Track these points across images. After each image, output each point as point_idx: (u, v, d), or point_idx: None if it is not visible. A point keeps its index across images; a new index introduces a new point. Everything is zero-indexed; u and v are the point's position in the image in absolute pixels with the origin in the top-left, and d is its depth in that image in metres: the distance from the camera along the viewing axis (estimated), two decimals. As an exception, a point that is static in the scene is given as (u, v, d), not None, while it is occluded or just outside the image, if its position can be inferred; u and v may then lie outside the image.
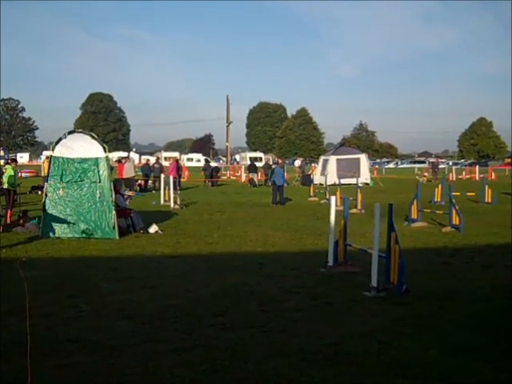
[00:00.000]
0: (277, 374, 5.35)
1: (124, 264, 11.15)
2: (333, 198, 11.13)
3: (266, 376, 5.31)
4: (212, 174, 41.62)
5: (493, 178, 48.66)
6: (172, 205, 23.45)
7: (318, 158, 55.64)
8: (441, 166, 62.19)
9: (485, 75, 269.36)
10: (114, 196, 14.47)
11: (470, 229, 15.86)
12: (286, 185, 27.94)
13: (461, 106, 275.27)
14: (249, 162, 48.10)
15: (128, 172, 31.70)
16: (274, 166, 30.87)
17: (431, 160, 64.71)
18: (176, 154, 78.82)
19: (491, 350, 6.08)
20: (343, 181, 29.36)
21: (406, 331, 6.76)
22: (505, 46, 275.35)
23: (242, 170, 51.87)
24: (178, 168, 34.84)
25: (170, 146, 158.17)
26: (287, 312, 7.62)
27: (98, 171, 14.41)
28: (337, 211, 10.82)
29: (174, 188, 24.93)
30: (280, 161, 36.72)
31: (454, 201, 16.64)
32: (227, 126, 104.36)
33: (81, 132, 15.38)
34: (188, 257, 12.05)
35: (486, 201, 25.73)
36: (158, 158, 40.74)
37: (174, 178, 27.31)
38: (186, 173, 44.41)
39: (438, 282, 9.47)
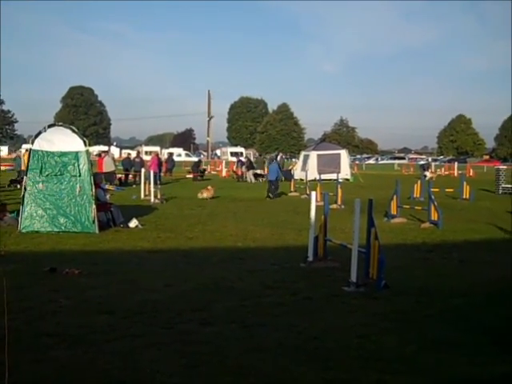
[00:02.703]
0: (256, 369, 5.36)
1: (104, 258, 11.10)
2: (313, 194, 11.17)
3: (245, 371, 5.32)
4: (193, 168, 41.71)
5: (471, 174, 49.13)
6: (152, 199, 23.40)
7: (298, 154, 55.72)
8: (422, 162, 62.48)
9: (464, 73, 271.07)
10: (94, 190, 14.38)
11: (449, 225, 16.02)
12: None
13: (440, 103, 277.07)
14: (234, 158, 48.15)
15: (108, 166, 31.55)
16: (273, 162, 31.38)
17: (421, 162, 65.01)
18: (157, 149, 78.34)
19: (468, 344, 6.14)
20: (324, 176, 29.48)
21: (384, 326, 6.81)
22: (485, 44, 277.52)
23: (223, 164, 51.85)
24: (159, 162, 34.76)
25: (150, 141, 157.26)
26: (267, 307, 7.64)
27: (78, 165, 14.31)
28: (317, 207, 10.87)
29: (155, 182, 24.87)
30: (279, 157, 36.90)
31: (432, 197, 16.80)
32: (208, 121, 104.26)
33: (61, 125, 15.26)
34: (168, 251, 12.04)
35: (464, 197, 26.01)
36: (138, 152, 40.60)
37: (155, 172, 27.24)
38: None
39: (416, 278, 9.55)
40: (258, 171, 41.95)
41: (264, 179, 40.63)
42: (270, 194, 26.30)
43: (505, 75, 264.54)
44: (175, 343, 6.07)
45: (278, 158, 40.78)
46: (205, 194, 25.28)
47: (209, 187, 26.03)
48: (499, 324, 6.91)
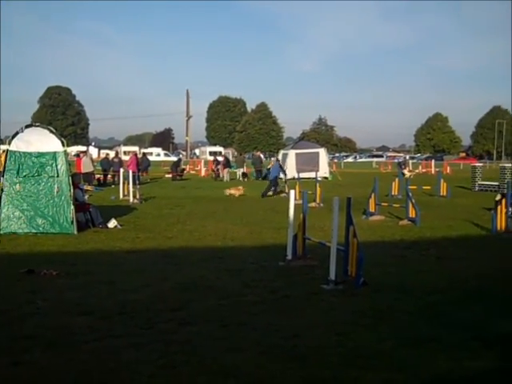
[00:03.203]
0: (235, 368, 5.37)
1: (82, 259, 11.03)
2: (292, 192, 11.20)
3: (224, 370, 5.32)
4: (172, 168, 41.66)
5: (448, 171, 49.63)
6: (131, 199, 23.31)
7: (277, 153, 55.77)
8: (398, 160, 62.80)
9: (441, 71, 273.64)
10: (72, 191, 14.29)
11: (426, 222, 16.16)
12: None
13: (417, 102, 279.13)
14: (221, 158, 48.11)
15: (86, 166, 31.36)
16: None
17: (400, 160, 65.27)
18: (135, 149, 78.03)
19: (446, 340, 6.21)
20: (302, 175, 29.58)
21: (363, 323, 6.86)
22: (460, 43, 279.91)
23: (202, 164, 51.78)
24: (138, 162, 34.61)
25: (129, 141, 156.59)
26: (246, 306, 7.65)
27: (56, 166, 14.20)
28: (296, 205, 10.90)
29: (134, 182, 24.76)
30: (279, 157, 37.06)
31: (410, 194, 16.94)
32: (187, 120, 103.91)
33: (38, 126, 15.11)
34: (147, 251, 12.00)
35: (441, 194, 26.29)
36: (117, 153, 40.41)
37: (134, 172, 27.13)
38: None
39: (394, 275, 9.62)
40: (243, 170, 42.17)
41: (246, 179, 40.85)
42: (270, 193, 26.45)
43: (480, 74, 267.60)
44: (154, 343, 6.05)
45: (279, 157, 40.82)
46: (232, 191, 25.62)
47: (239, 187, 26.79)
48: (476, 320, 6.99)
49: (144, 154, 46.52)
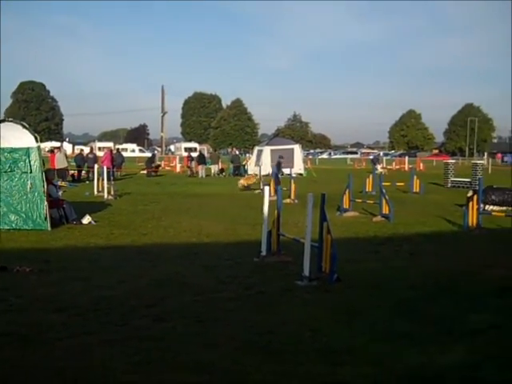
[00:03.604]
0: (210, 364, 5.40)
1: (56, 256, 10.95)
2: (266, 188, 11.24)
3: (199, 366, 5.34)
4: (147, 164, 41.54)
5: (421, 168, 50.07)
6: (106, 195, 23.18)
7: (252, 149, 55.82)
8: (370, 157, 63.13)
9: (414, 69, 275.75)
10: (45, 187, 14.18)
11: (400, 218, 16.32)
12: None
13: (391, 99, 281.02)
14: (195, 154, 48.07)
15: (60, 162, 31.09)
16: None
17: (371, 156, 65.60)
18: (110, 144, 77.37)
19: (418, 335, 6.29)
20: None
21: (336, 319, 6.92)
22: (434, 41, 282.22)
23: (177, 160, 51.63)
24: (112, 158, 34.42)
25: (104, 136, 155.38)
26: (221, 302, 7.67)
27: (30, 161, 14.07)
28: (270, 201, 10.94)
29: (108, 178, 24.63)
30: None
31: (384, 191, 17.08)
32: (162, 117, 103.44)
33: (11, 121, 14.95)
34: (122, 248, 11.96)
35: (415, 191, 26.56)
36: (91, 148, 40.05)
37: (108, 168, 26.99)
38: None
39: (368, 271, 9.71)
40: (220, 166, 42.17)
41: (224, 174, 40.92)
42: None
43: (453, 72, 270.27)
44: (129, 340, 6.05)
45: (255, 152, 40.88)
46: (244, 181, 26.03)
47: (251, 177, 26.50)
48: (446, 314, 7.09)
49: (118, 149, 46.15)
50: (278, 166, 28.46)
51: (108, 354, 5.62)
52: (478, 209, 14.66)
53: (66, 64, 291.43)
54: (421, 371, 5.25)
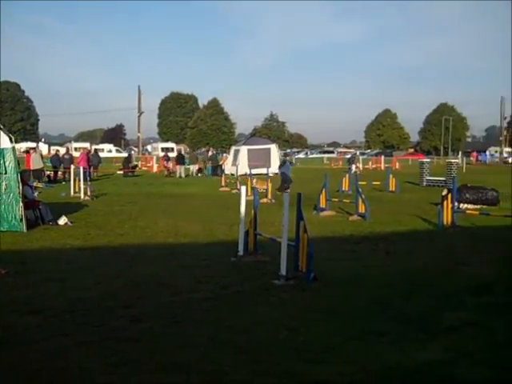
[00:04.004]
0: (187, 364, 5.39)
1: (32, 257, 10.87)
2: (243, 188, 11.25)
3: (176, 366, 5.34)
4: (123, 164, 41.35)
5: (397, 167, 50.40)
6: (82, 196, 23.03)
7: (229, 149, 55.82)
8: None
9: (390, 68, 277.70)
10: (21, 188, 14.05)
11: (376, 217, 16.43)
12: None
13: (368, 98, 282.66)
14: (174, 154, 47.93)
15: (36, 163, 30.81)
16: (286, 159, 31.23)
17: (348, 156, 65.75)
18: (87, 145, 76.71)
19: (394, 333, 6.33)
20: (254, 171, 29.64)
21: (313, 317, 6.95)
22: (409, 41, 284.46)
23: (154, 160, 51.44)
24: (89, 159, 34.21)
25: (80, 137, 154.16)
26: (198, 302, 7.67)
27: (4, 162, 13.91)
28: (247, 201, 10.96)
29: (85, 179, 24.48)
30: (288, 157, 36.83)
31: (360, 190, 17.18)
32: (139, 117, 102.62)
33: (-16, 122, 14.79)
34: (98, 249, 11.90)
35: (391, 189, 26.77)
36: (68, 149, 39.74)
37: (85, 168, 26.82)
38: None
39: (344, 269, 9.76)
40: (197, 166, 42.09)
41: (202, 174, 40.85)
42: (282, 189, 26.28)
43: (428, 71, 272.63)
44: (105, 341, 6.03)
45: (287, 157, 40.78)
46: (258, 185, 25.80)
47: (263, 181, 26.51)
48: (423, 312, 7.16)
49: (96, 150, 45.90)
50: (283, 165, 28.16)
51: (84, 356, 5.59)
52: (452, 207, 14.81)
53: (41, 64, 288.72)
54: (397, 369, 5.29)
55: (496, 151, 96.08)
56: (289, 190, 25.83)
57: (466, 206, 19.00)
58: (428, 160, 37.41)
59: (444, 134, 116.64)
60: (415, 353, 5.69)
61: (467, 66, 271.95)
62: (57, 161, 35.32)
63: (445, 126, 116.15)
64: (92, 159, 36.52)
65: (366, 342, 6.06)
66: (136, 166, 45.74)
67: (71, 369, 5.28)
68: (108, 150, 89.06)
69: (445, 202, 14.91)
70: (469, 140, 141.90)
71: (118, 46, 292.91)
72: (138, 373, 5.20)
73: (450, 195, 15.01)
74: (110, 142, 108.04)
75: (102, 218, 16.90)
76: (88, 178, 26.34)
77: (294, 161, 34.26)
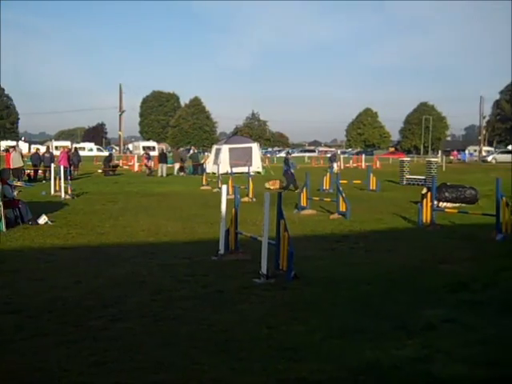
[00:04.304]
0: (167, 363, 5.40)
1: (11, 257, 10.80)
2: (224, 187, 11.26)
3: (156, 365, 5.35)
4: (104, 163, 41.16)
5: (378, 166, 50.60)
6: (63, 195, 22.87)
7: (210, 147, 55.77)
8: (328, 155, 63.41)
9: (371, 68, 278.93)
10: (0, 187, 13.94)
11: (356, 215, 16.52)
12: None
13: (349, 97, 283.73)
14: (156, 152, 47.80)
15: (16, 161, 30.56)
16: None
17: (328, 154, 65.79)
18: (67, 143, 76.10)
19: (373, 330, 6.39)
20: (235, 170, 29.66)
21: (293, 316, 6.99)
22: (390, 40, 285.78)
23: (135, 158, 51.24)
24: (69, 157, 33.99)
25: (61, 135, 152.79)
26: (178, 300, 7.68)
27: (-18, 161, 13.84)
28: (228, 200, 10.97)
29: (65, 178, 24.33)
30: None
31: (341, 189, 17.26)
32: (120, 115, 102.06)
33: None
34: (79, 248, 11.85)
35: (371, 188, 26.91)
36: (48, 147, 39.43)
37: (65, 167, 26.65)
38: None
39: (324, 268, 9.81)
40: (179, 164, 41.92)
41: (183, 174, 40.72)
42: (291, 187, 26.18)
43: (408, 71, 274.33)
44: (85, 340, 6.02)
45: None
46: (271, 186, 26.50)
47: (277, 181, 27.43)
48: (401, 310, 7.22)
49: (75, 148, 45.55)
50: (285, 162, 28.03)
51: (63, 355, 5.58)
52: (431, 206, 14.93)
53: (21, 62, 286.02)
54: (376, 365, 5.34)
55: (475, 150, 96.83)
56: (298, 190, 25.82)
57: (445, 204, 19.15)
58: (408, 159, 37.64)
59: (424, 133, 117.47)
60: (394, 350, 5.75)
61: (447, 65, 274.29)
62: (37, 159, 35.05)
63: (425, 125, 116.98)
64: (72, 158, 36.26)
65: (346, 339, 6.10)
66: (117, 165, 45.50)
67: (50, 369, 5.26)
68: (89, 149, 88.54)
69: (424, 201, 15.03)
70: (448, 139, 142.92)
71: (100, 44, 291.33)
72: (118, 372, 5.20)
73: (429, 194, 15.14)
74: (91, 141, 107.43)
75: (83, 217, 16.82)
76: (69, 177, 26.17)
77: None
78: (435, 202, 15.52)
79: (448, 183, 21.23)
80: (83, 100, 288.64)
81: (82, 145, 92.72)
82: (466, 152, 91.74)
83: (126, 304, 7.52)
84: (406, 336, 6.18)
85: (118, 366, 5.35)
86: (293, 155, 46.55)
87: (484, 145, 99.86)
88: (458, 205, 19.21)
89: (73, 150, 40.04)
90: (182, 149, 49.83)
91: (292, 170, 27.25)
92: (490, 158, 78.45)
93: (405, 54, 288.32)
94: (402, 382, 5.00)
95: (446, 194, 19.71)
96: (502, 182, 13.27)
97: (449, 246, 12.10)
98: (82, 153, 44.94)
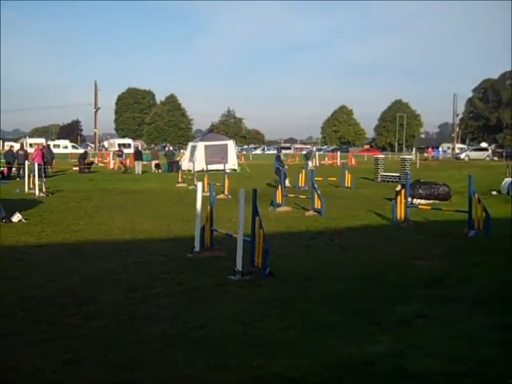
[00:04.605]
0: (142, 360, 5.40)
1: (-17, 255, 10.70)
2: (199, 184, 11.26)
3: (131, 363, 5.34)
4: (79, 160, 40.87)
5: (353, 163, 50.86)
6: (37, 193, 22.67)
7: (186, 145, 55.61)
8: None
9: (346, 65, 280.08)
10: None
11: (331, 212, 16.61)
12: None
13: (324, 94, 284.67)
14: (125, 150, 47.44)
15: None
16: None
17: (304, 151, 65.80)
18: (42, 141, 75.31)
19: (346, 326, 6.44)
20: (211, 167, 29.66)
21: (268, 312, 7.02)
22: (363, 40, 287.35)
23: (111, 156, 50.94)
24: (43, 155, 33.67)
25: (35, 132, 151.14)
26: (153, 298, 7.67)
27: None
28: (204, 197, 10.97)
29: (39, 175, 24.11)
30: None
31: (316, 186, 17.34)
32: (95, 112, 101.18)
33: None
34: (53, 246, 11.76)
35: (346, 185, 27.04)
36: (22, 145, 39.01)
37: (39, 164, 26.42)
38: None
39: (299, 264, 9.86)
40: (157, 162, 41.77)
41: (160, 170, 40.58)
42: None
43: (384, 68, 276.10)
44: (59, 339, 5.98)
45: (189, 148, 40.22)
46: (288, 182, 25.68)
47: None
48: (375, 306, 7.29)
49: (48, 145, 45.05)
50: (277, 159, 27.81)
51: (37, 354, 5.54)
52: (405, 203, 15.07)
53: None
54: (349, 361, 5.39)
55: (448, 147, 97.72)
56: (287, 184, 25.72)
57: (419, 201, 19.35)
58: (383, 156, 37.93)
59: (398, 131, 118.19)
60: (367, 345, 5.80)
61: (422, 63, 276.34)
62: (11, 157, 34.65)
63: (399, 123, 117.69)
64: (46, 155, 35.90)
65: (320, 335, 6.14)
66: (92, 162, 45.17)
67: (23, 368, 5.22)
68: (64, 146, 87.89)
69: (398, 198, 15.17)
70: (422, 136, 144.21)
71: (75, 40, 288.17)
72: (92, 370, 5.18)
73: (403, 191, 15.28)
74: (66, 138, 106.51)
75: (58, 214, 16.70)
76: (43, 175, 25.95)
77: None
78: (409, 199, 15.68)
79: (422, 180, 21.46)
80: (58, 97, 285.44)
81: (56, 142, 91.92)
82: (440, 149, 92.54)
83: (101, 302, 7.49)
84: (379, 332, 6.24)
85: (93, 364, 5.33)
86: (268, 152, 46.52)
87: (457, 142, 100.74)
88: (431, 201, 19.42)
89: (46, 147, 39.64)
90: (154, 146, 49.56)
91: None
92: (463, 156, 79.20)
93: (380, 52, 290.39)
94: (375, 377, 5.05)
95: (420, 191, 19.91)
96: (475, 179, 13.43)
97: (422, 242, 12.22)
98: (56, 150, 44.44)
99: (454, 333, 6.16)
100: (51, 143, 67.50)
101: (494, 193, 22.39)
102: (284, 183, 25.62)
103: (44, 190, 23.14)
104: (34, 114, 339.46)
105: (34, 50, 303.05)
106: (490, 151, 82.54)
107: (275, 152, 35.47)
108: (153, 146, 67.41)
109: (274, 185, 26.04)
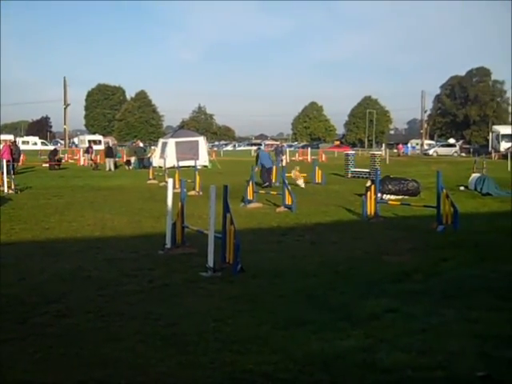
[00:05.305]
0: (114, 358, 5.39)
1: (-50, 254, 10.55)
2: (170, 181, 11.25)
3: (102, 361, 5.33)
4: (49, 157, 40.46)
5: (323, 159, 51.15)
6: (6, 190, 22.40)
7: (157, 141, 55.34)
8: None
9: (316, 62, 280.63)
10: None
11: (302, 208, 16.70)
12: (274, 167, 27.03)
13: (294, 91, 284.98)
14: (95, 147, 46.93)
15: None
16: (258, 150, 30.17)
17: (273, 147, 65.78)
18: (11, 137, 74.31)
19: (318, 322, 6.48)
20: (182, 163, 29.61)
21: (240, 308, 7.04)
22: (333, 36, 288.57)
23: (81, 152, 50.51)
24: (12, 151, 33.25)
25: (4, 129, 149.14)
26: (124, 295, 7.65)
27: None
28: (175, 194, 10.97)
29: (8, 172, 23.83)
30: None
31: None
32: (65, 109, 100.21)
33: None
34: (23, 243, 11.65)
35: (317, 181, 27.19)
36: (-11, 142, 38.48)
37: (8, 161, 26.11)
38: (22, 157, 42.22)
39: (270, 260, 9.91)
40: (128, 158, 41.51)
41: (131, 167, 40.30)
42: (267, 183, 25.65)
43: (353, 65, 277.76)
44: (29, 337, 5.94)
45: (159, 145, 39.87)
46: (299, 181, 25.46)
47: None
48: (345, 301, 7.35)
49: (14, 142, 44.41)
50: (257, 159, 27.55)
51: (7, 353, 5.51)
52: (375, 198, 15.21)
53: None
54: (320, 356, 5.44)
55: (417, 143, 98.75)
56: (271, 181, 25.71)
57: (388, 196, 19.52)
58: (353, 152, 38.19)
59: (368, 127, 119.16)
60: (338, 340, 5.86)
61: (390, 60, 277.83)
62: (-22, 154, 34.19)
63: (369, 119, 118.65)
64: (14, 152, 35.45)
65: (291, 331, 6.19)
66: (61, 158, 44.72)
67: (-8, 367, 5.19)
68: (33, 143, 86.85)
69: (368, 193, 15.31)
70: (392, 132, 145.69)
71: (42, 35, 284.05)
72: (64, 369, 5.16)
73: (373, 186, 15.42)
74: (35, 135, 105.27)
75: (27, 211, 16.53)
76: (12, 171, 25.66)
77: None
78: (379, 195, 15.83)
79: (391, 176, 21.65)
80: (27, 93, 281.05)
81: (25, 138, 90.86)
82: (409, 145, 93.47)
83: (72, 300, 7.45)
84: (350, 326, 6.30)
85: (64, 362, 5.31)
86: (239, 148, 46.49)
87: (426, 138, 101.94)
88: (400, 197, 19.60)
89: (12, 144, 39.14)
90: (128, 143, 49.27)
91: (267, 167, 26.27)
92: (431, 152, 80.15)
93: (350, 49, 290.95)
94: (346, 371, 5.11)
95: (390, 187, 20.10)
96: (443, 174, 13.62)
97: (392, 237, 12.35)
98: (25, 147, 43.90)
99: (422, 326, 6.26)
100: (20, 140, 66.58)
101: (462, 188, 22.68)
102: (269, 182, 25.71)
103: (13, 186, 22.87)
104: (3, 109, 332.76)
105: (2, 45, 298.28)
106: (457, 147, 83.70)
107: (254, 148, 35.43)
108: (133, 142, 66.61)
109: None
